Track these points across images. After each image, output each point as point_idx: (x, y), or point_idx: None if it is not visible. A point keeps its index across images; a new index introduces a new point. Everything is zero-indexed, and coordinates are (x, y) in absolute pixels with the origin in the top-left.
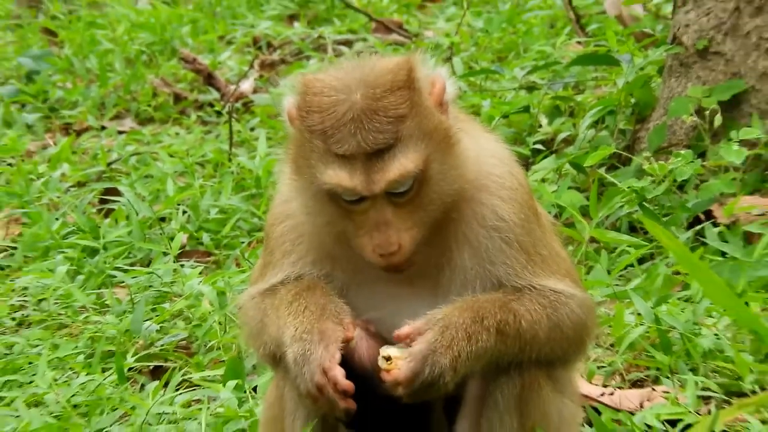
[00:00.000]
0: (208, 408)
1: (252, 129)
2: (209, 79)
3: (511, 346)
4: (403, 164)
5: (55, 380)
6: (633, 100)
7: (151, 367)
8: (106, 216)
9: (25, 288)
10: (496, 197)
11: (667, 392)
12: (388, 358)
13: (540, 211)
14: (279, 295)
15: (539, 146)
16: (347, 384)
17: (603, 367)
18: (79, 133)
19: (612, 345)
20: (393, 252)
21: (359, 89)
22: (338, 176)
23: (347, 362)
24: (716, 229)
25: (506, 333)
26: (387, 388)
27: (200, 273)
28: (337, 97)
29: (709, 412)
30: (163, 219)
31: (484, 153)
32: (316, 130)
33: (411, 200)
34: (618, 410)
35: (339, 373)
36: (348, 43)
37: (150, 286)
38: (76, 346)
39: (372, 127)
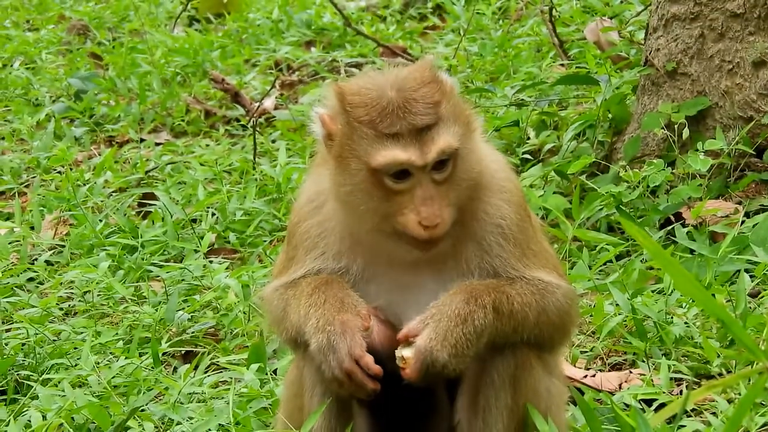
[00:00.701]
0: (234, 388)
1: (273, 141)
2: (236, 98)
3: (506, 324)
4: (447, 138)
5: (97, 363)
6: (610, 116)
7: (182, 352)
8: (143, 218)
9: (72, 281)
10: (498, 198)
11: (643, 374)
12: (402, 358)
13: (530, 211)
14: (300, 288)
15: (527, 156)
16: (378, 369)
17: (585, 352)
18: (120, 145)
19: (593, 332)
20: (436, 224)
21: (393, 88)
22: (392, 153)
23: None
24: (685, 230)
25: (501, 311)
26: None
27: (227, 268)
28: (375, 94)
29: (681, 393)
30: (194, 220)
31: (487, 157)
32: (364, 120)
33: (447, 178)
34: (599, 390)
35: (370, 360)
36: (358, 66)
37: (182, 280)
38: (117, 333)
39: (416, 110)
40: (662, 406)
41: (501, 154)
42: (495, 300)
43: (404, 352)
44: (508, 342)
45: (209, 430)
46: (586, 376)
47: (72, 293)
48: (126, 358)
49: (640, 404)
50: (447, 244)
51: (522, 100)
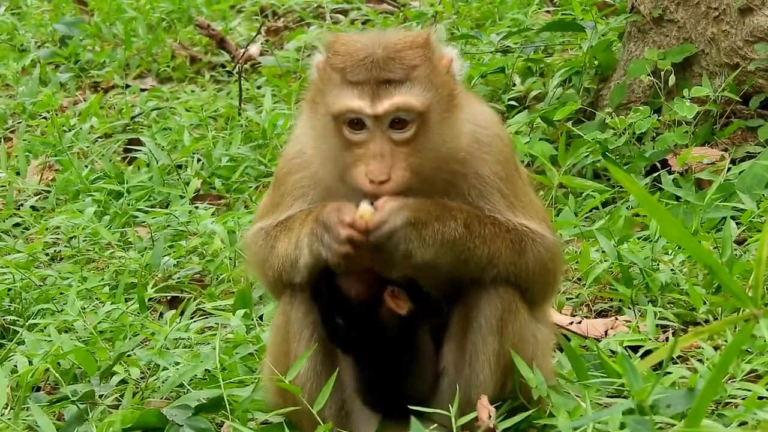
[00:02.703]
0: (220, 334)
1: (259, 87)
2: (221, 44)
3: (479, 247)
4: (407, 98)
5: (84, 309)
6: (596, 62)
7: (168, 298)
8: (129, 163)
9: (58, 227)
10: (484, 153)
11: (629, 321)
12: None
13: (520, 166)
14: (288, 223)
15: (513, 103)
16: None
17: (571, 298)
18: (106, 91)
19: (579, 279)
20: (382, 181)
21: (381, 46)
22: (348, 99)
23: (344, 296)
24: (671, 177)
25: (472, 230)
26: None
27: (213, 214)
28: (362, 48)
29: (667, 340)
30: (179, 166)
31: (478, 119)
32: (337, 67)
33: (409, 141)
34: (585, 337)
35: (358, 218)
36: (344, 12)
37: (168, 226)
38: (102, 279)
39: (386, 67)
40: (648, 352)
41: (490, 109)
42: (467, 219)
43: (362, 206)
44: (486, 275)
45: (196, 375)
46: (572, 323)
47: (58, 239)
48: (112, 303)
49: (626, 351)
50: None
51: (508, 46)
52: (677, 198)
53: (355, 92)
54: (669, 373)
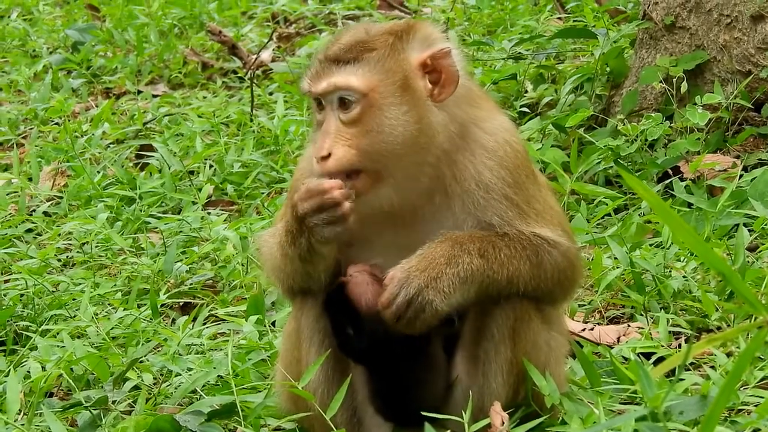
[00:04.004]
0: (233, 340)
1: (271, 93)
2: (233, 50)
3: (497, 273)
4: (348, 77)
5: (96, 315)
6: (608, 69)
7: (181, 304)
8: (141, 169)
9: (70, 233)
10: (487, 158)
11: (642, 328)
12: None
13: (538, 173)
14: (280, 239)
15: (525, 109)
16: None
17: (584, 305)
18: (118, 97)
19: (591, 285)
20: (323, 157)
21: (367, 30)
22: (304, 79)
23: (354, 306)
24: (683, 183)
25: (488, 258)
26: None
27: (225, 220)
28: (352, 31)
29: (679, 347)
30: (192, 172)
31: (486, 126)
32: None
33: (356, 122)
34: (598, 344)
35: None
36: (355, 18)
37: (180, 232)
38: (115, 285)
39: (345, 48)
40: (661, 359)
41: (505, 117)
42: (480, 248)
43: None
44: (504, 293)
45: (208, 381)
46: (584, 330)
47: (70, 244)
48: (125, 309)
49: (639, 358)
50: (431, 208)
51: (520, 53)
52: (689, 205)
53: (310, 72)
54: (682, 379)
